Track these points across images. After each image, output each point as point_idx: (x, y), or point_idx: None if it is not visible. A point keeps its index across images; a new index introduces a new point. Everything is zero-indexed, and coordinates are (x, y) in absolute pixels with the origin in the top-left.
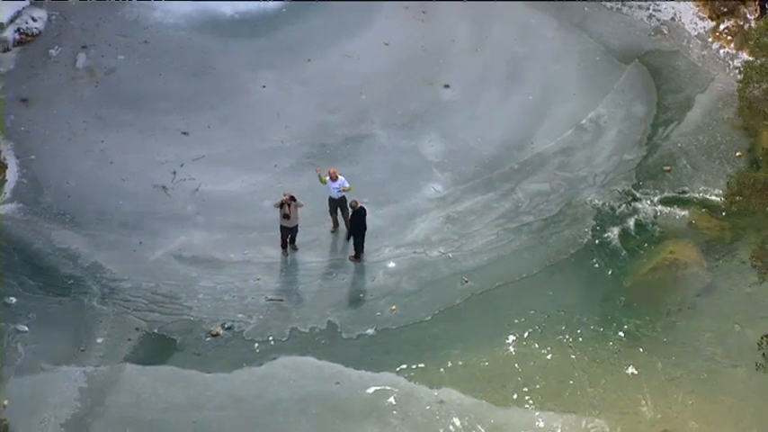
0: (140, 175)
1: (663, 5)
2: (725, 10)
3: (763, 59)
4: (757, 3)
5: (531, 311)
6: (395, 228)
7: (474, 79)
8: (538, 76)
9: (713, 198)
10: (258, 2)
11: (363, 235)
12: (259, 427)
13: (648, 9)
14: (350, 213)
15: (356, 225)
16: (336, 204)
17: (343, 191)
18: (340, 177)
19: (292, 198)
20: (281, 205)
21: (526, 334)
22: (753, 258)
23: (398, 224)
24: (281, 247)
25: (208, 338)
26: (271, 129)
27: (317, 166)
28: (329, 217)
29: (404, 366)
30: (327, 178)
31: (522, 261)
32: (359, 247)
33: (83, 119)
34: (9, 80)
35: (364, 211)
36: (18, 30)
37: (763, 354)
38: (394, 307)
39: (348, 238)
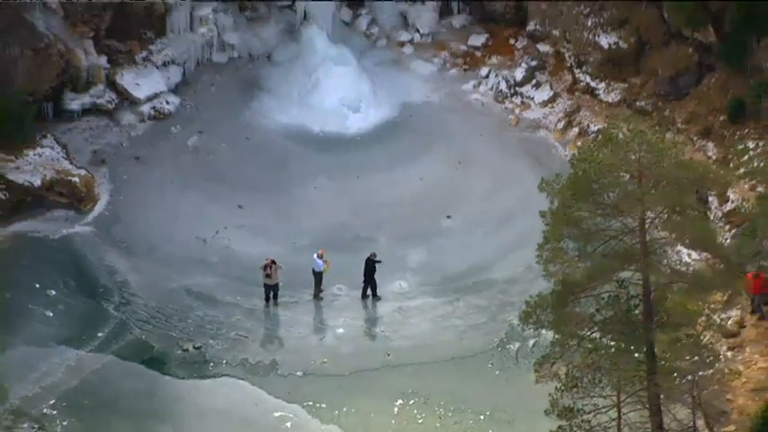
0: (192, 228)
1: None
2: None
3: None
4: None
5: (424, 387)
6: (357, 305)
7: (473, 218)
8: (521, 228)
9: None
10: (340, 129)
11: (374, 279)
12: (186, 427)
13: None
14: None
15: (369, 273)
16: (317, 276)
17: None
18: (323, 259)
19: (273, 261)
20: (265, 267)
21: (411, 402)
22: None
23: (360, 305)
24: (264, 300)
25: (179, 351)
26: (304, 218)
27: (321, 248)
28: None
29: (310, 403)
30: (320, 260)
31: (437, 351)
32: (374, 289)
33: (172, 181)
34: (133, 141)
35: (374, 263)
36: (153, 107)
37: None
38: (325, 360)
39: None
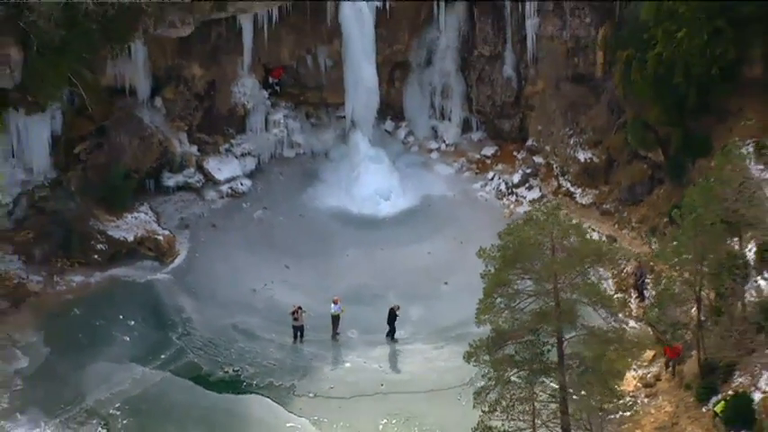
0: (247, 281)
1: None
2: None
3: None
4: None
5: (406, 411)
6: (364, 346)
7: (464, 285)
8: None
9: None
10: (373, 212)
11: (394, 325)
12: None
13: None
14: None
15: (391, 320)
16: (333, 318)
17: (341, 312)
18: (339, 304)
19: (300, 308)
20: (292, 312)
21: (394, 421)
22: None
23: (367, 346)
24: (293, 338)
25: (221, 373)
26: (335, 278)
27: (337, 297)
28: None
29: (315, 418)
30: (335, 305)
31: (420, 384)
32: (392, 332)
33: (238, 244)
34: (212, 212)
35: (395, 313)
36: (231, 188)
37: None
38: (332, 386)
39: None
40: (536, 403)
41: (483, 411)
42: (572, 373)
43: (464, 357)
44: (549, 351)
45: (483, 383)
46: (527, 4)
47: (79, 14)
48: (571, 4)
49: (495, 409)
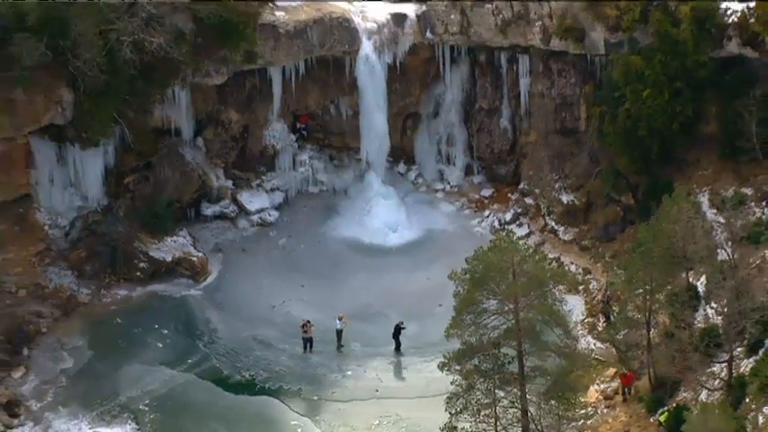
0: (268, 298)
1: None
2: None
3: None
4: None
5: (395, 413)
6: (364, 357)
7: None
8: None
9: None
10: (382, 242)
11: (399, 339)
12: (235, 426)
13: None
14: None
15: (396, 334)
16: (338, 332)
17: (344, 327)
18: (343, 320)
19: (308, 322)
20: (302, 326)
21: (385, 422)
22: None
23: (367, 357)
24: (303, 348)
25: (238, 377)
26: (344, 297)
27: (342, 314)
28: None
29: (317, 418)
30: (339, 321)
31: (409, 391)
32: (398, 346)
33: (263, 266)
34: (243, 239)
35: (400, 328)
36: (260, 218)
37: None
38: (334, 391)
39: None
40: (498, 409)
41: (450, 414)
42: (531, 384)
43: (438, 367)
44: (509, 363)
45: (453, 390)
46: (520, 65)
47: (119, 61)
48: (558, 66)
49: (462, 413)
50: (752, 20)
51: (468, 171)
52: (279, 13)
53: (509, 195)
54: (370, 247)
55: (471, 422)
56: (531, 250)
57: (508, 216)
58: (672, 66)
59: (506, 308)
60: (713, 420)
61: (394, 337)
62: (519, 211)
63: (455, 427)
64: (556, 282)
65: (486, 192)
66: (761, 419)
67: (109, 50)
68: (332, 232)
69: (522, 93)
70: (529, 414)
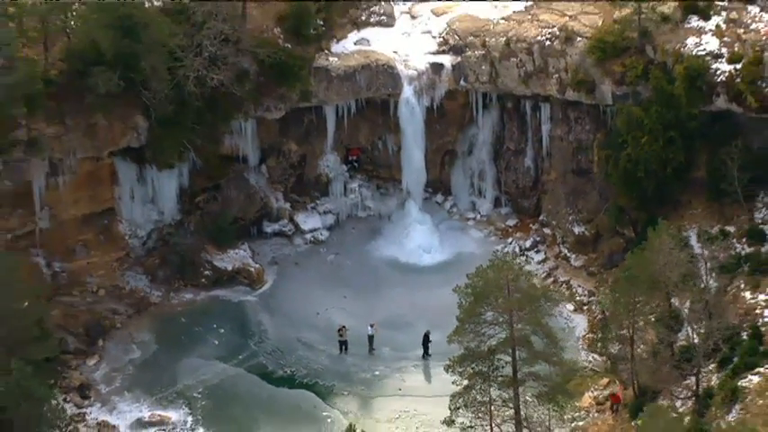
0: (314, 306)
1: None
2: None
3: None
4: None
5: (414, 409)
6: (392, 360)
7: None
8: None
9: None
10: (417, 262)
11: (428, 345)
12: (275, 414)
13: None
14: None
15: (425, 342)
16: (369, 338)
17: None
18: (374, 327)
19: (344, 326)
20: (338, 330)
21: (404, 417)
22: None
23: (395, 360)
24: (339, 350)
25: (280, 372)
26: (381, 308)
27: (374, 322)
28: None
29: (345, 411)
30: (371, 327)
31: (428, 390)
32: (426, 352)
33: (312, 279)
34: (297, 254)
35: (428, 337)
36: (313, 236)
37: None
38: (363, 387)
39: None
40: (493, 408)
41: (451, 409)
42: (523, 387)
43: (444, 369)
44: (503, 368)
45: (456, 389)
46: (542, 112)
47: (185, 94)
48: (575, 114)
49: (461, 409)
50: (738, 79)
51: (496, 203)
52: (332, 59)
53: (530, 225)
54: (406, 265)
55: (470, 418)
56: (524, 268)
57: (528, 243)
58: (667, 117)
59: (501, 319)
60: (663, 423)
61: (423, 345)
62: (538, 239)
63: (453, 421)
64: (546, 298)
65: (511, 221)
66: (723, 426)
67: (176, 84)
68: (375, 252)
69: (543, 137)
70: (522, 413)
